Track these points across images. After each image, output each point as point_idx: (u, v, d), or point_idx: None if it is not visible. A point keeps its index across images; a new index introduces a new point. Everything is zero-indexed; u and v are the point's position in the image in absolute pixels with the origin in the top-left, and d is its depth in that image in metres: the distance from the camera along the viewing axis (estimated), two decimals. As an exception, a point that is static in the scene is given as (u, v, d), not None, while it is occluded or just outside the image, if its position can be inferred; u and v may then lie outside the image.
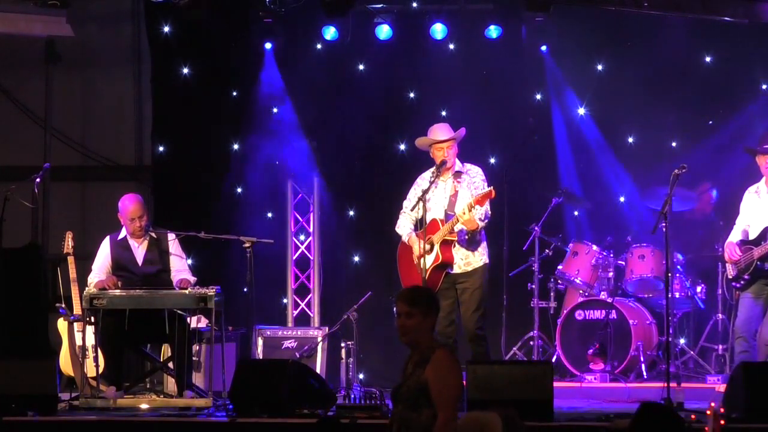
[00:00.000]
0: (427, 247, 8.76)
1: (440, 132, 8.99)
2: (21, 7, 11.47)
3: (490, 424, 4.89)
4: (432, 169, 8.95)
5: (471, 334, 8.81)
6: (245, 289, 9.41)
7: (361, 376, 10.68)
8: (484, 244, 8.95)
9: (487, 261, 8.96)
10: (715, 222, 10.55)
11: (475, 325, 8.79)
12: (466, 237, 8.82)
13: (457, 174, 8.98)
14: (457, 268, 8.86)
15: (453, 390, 5.66)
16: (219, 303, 8.70)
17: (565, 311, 10.51)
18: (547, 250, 10.76)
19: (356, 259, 11.73)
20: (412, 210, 9.03)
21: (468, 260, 8.86)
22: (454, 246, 8.83)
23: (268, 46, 11.61)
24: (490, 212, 8.89)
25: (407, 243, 9.00)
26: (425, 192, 8.82)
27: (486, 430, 4.89)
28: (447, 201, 8.92)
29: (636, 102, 11.20)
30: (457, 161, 9.02)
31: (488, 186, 8.88)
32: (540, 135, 11.34)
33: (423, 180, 9.02)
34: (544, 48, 11.35)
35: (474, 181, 8.95)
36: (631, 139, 11.42)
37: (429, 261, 8.72)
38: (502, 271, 10.59)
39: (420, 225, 8.86)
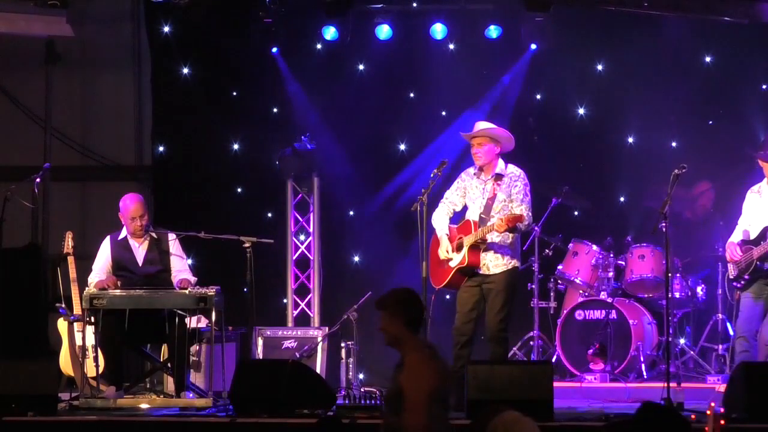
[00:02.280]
0: (450, 249, 8.76)
1: (475, 126, 8.96)
2: (21, 7, 11.47)
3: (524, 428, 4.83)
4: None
5: (492, 335, 8.78)
6: (245, 289, 9.41)
7: (361, 376, 10.69)
8: (516, 247, 8.88)
9: (518, 264, 8.91)
10: (715, 222, 10.55)
11: (497, 326, 8.75)
12: (498, 240, 8.77)
13: (498, 176, 8.87)
14: (486, 270, 8.79)
15: (419, 394, 5.63)
16: (219, 303, 8.70)
17: (565, 311, 10.51)
18: (547, 250, 10.76)
19: (356, 259, 11.73)
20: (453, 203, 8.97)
21: (497, 262, 8.79)
22: (484, 249, 8.79)
23: (274, 49, 11.60)
24: (529, 219, 8.84)
25: (438, 238, 8.97)
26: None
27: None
28: (484, 203, 8.83)
29: (636, 102, 11.20)
30: (501, 163, 8.90)
31: (529, 191, 8.85)
32: (540, 135, 11.34)
33: (467, 174, 8.98)
34: (543, 47, 11.35)
35: (516, 184, 8.83)
36: (631, 139, 11.43)
37: (456, 261, 8.71)
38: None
39: (419, 227, 8.80)
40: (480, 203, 8.85)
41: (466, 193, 8.93)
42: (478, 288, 8.81)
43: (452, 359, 8.89)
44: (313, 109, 11.62)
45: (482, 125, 8.94)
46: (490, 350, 8.82)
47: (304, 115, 11.64)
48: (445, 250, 8.83)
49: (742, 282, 8.95)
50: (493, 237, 8.69)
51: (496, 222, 8.55)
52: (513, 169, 8.92)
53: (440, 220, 8.97)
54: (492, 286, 8.77)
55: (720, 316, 10.31)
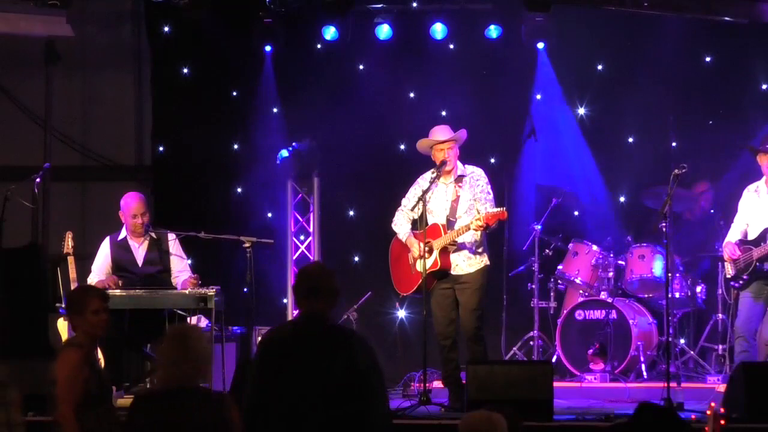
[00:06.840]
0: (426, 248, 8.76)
1: (440, 133, 8.99)
2: (21, 7, 11.45)
3: (495, 424, 4.86)
4: (433, 170, 8.95)
5: (469, 334, 8.80)
6: (245, 289, 9.41)
7: (361, 376, 10.66)
8: (485, 245, 8.94)
9: (488, 262, 8.95)
10: (715, 222, 10.54)
11: (474, 325, 8.78)
12: (470, 240, 8.80)
13: (459, 178, 8.93)
14: (459, 270, 8.84)
15: None
16: (219, 303, 8.70)
17: (565, 311, 10.51)
18: (547, 250, 10.76)
19: (356, 259, 11.72)
20: (411, 210, 9.02)
21: (470, 261, 8.84)
22: (454, 251, 8.81)
23: (267, 48, 11.60)
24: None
25: (404, 243, 8.99)
26: (425, 192, 8.82)
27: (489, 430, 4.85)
28: (449, 206, 8.88)
29: (636, 102, 11.19)
30: (459, 164, 8.99)
31: (491, 189, 8.90)
32: (540, 135, 11.33)
33: (424, 180, 9.00)
34: (542, 47, 11.35)
35: (478, 183, 8.90)
36: (631, 139, 11.43)
37: (427, 265, 8.71)
38: (502, 271, 10.59)
39: (418, 225, 8.86)
40: (445, 206, 8.88)
41: (428, 198, 8.90)
42: (451, 289, 8.85)
43: (441, 364, 8.92)
44: (312, 109, 11.61)
45: (446, 129, 8.99)
46: (469, 350, 8.83)
47: (304, 114, 11.63)
48: (414, 255, 8.84)
49: (741, 282, 8.96)
50: (465, 237, 8.72)
51: (473, 222, 8.57)
52: (473, 169, 9.01)
53: (403, 225, 9.03)
54: (466, 285, 8.81)
55: (720, 316, 10.30)
